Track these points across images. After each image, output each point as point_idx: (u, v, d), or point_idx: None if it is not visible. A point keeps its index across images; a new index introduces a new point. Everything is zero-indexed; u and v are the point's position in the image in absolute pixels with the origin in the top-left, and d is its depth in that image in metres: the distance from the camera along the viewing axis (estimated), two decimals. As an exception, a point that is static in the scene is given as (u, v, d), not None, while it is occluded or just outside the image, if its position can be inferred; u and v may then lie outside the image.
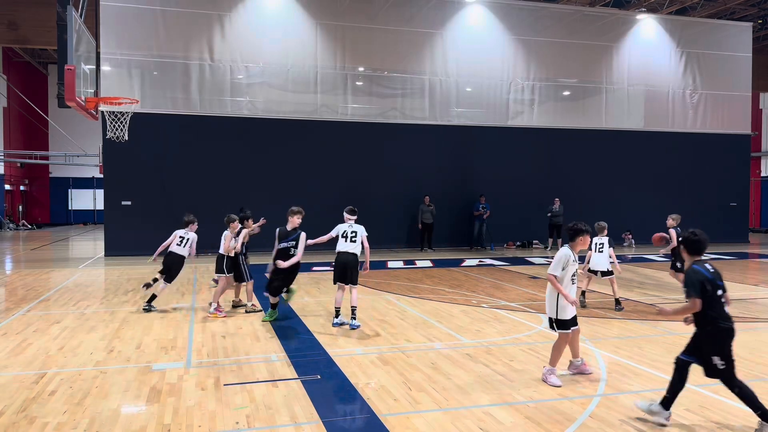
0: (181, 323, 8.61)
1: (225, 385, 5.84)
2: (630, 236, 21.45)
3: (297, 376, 6.14)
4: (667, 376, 6.14)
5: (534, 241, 20.94)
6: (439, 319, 8.93)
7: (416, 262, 16.31)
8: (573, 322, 5.98)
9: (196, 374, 6.18)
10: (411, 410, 5.20)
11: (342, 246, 8.37)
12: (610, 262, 9.75)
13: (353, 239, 8.37)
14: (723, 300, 4.83)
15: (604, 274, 9.75)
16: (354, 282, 8.34)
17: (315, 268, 14.85)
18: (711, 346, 4.80)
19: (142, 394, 5.59)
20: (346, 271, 8.29)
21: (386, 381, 5.98)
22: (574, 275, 5.97)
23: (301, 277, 13.27)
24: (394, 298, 10.83)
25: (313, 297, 10.87)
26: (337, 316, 8.50)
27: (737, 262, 17.00)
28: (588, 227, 6.12)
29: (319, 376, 6.15)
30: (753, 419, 4.99)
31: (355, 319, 8.33)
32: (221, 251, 9.33)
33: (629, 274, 14.18)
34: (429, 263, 15.97)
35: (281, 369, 6.40)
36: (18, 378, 6.04)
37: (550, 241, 20.15)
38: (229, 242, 9.16)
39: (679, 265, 10.19)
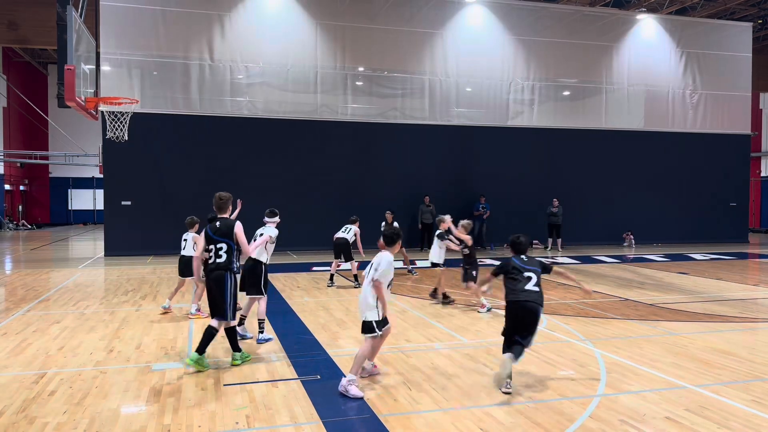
0: (181, 323, 8.61)
1: (225, 385, 5.84)
2: (630, 236, 21.45)
3: (297, 376, 6.13)
4: (666, 376, 6.16)
5: (534, 241, 20.92)
6: (439, 319, 8.93)
7: (416, 262, 16.28)
8: (386, 321, 5.78)
9: (196, 374, 6.18)
10: (411, 410, 5.20)
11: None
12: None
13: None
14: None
15: (435, 265, 10.53)
16: (257, 292, 7.48)
17: (315, 268, 14.86)
18: None
19: (142, 394, 5.59)
20: (245, 279, 7.46)
21: (386, 381, 5.98)
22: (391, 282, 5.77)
23: (301, 277, 13.31)
24: (394, 298, 10.83)
25: (313, 297, 10.87)
26: (240, 324, 7.57)
27: (737, 262, 17.00)
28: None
29: (319, 376, 6.15)
30: (754, 419, 5.00)
31: (263, 332, 7.51)
32: (188, 253, 8.88)
33: (629, 274, 14.19)
34: (428, 263, 15.93)
35: (281, 369, 6.40)
36: (18, 378, 6.04)
37: (550, 241, 20.15)
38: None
39: (474, 273, 9.98)
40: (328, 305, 10.03)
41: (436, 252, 10.49)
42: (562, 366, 6.51)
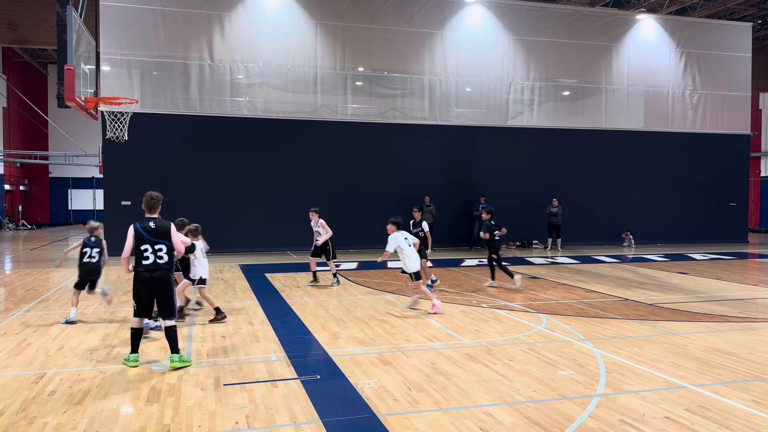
0: (180, 323, 8.60)
1: (225, 385, 5.84)
2: (630, 236, 21.46)
3: (297, 376, 6.13)
4: (666, 376, 6.16)
5: (534, 241, 20.94)
6: (439, 319, 8.93)
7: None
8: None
9: (196, 374, 6.18)
10: (411, 410, 5.20)
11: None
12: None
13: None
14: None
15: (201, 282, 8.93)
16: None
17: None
18: None
19: (142, 394, 5.58)
20: None
21: (386, 381, 5.98)
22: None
23: (301, 277, 13.31)
24: (394, 298, 10.83)
25: (313, 297, 10.86)
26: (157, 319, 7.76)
27: (737, 262, 17.01)
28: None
29: (319, 376, 6.15)
30: (754, 419, 5.00)
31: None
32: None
33: (629, 274, 14.19)
34: (429, 263, 15.92)
35: (281, 369, 6.40)
36: (18, 378, 6.04)
37: (549, 241, 20.15)
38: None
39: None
40: (328, 305, 10.03)
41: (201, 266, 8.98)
42: (562, 366, 6.51)
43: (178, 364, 6.34)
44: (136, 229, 6.43)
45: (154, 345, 7.35)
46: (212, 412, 5.13)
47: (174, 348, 6.41)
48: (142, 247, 6.38)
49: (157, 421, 4.91)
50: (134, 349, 6.47)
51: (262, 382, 5.92)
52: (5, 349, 7.13)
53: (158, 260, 6.38)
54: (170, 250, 6.48)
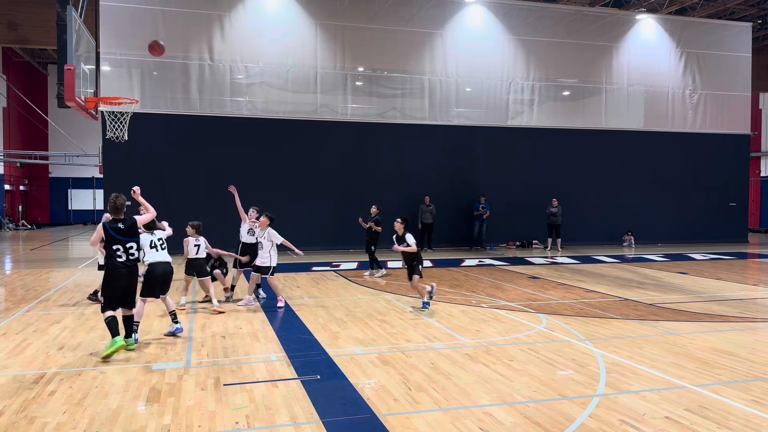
0: (181, 323, 8.59)
1: (225, 385, 5.84)
2: (630, 236, 21.46)
3: (297, 376, 6.13)
4: (666, 376, 6.16)
5: (534, 241, 20.94)
6: (439, 319, 8.93)
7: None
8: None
9: (196, 374, 6.18)
10: (411, 410, 5.20)
11: (156, 256, 7.68)
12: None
13: (163, 247, 7.81)
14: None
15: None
16: (167, 290, 7.94)
17: (315, 268, 14.86)
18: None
19: (142, 394, 5.59)
20: (167, 281, 7.83)
21: (386, 381, 5.98)
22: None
23: (300, 277, 13.32)
24: (394, 298, 10.83)
25: (313, 297, 10.87)
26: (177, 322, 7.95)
27: (737, 262, 17.01)
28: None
29: (319, 376, 6.15)
30: (754, 419, 4.99)
31: (178, 323, 7.86)
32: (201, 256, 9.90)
33: (629, 274, 14.19)
34: (429, 263, 15.95)
35: (281, 369, 6.40)
36: (18, 378, 6.04)
37: (549, 241, 20.14)
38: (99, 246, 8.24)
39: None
40: (328, 305, 10.03)
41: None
42: (562, 366, 6.51)
43: (134, 346, 7.08)
44: (106, 230, 6.90)
45: (155, 344, 7.35)
46: (212, 412, 5.13)
47: (129, 332, 7.15)
48: (114, 247, 6.86)
49: (157, 421, 4.91)
50: (115, 333, 6.74)
51: (262, 382, 5.92)
52: (5, 349, 7.13)
53: (130, 257, 6.94)
54: (139, 247, 7.09)
